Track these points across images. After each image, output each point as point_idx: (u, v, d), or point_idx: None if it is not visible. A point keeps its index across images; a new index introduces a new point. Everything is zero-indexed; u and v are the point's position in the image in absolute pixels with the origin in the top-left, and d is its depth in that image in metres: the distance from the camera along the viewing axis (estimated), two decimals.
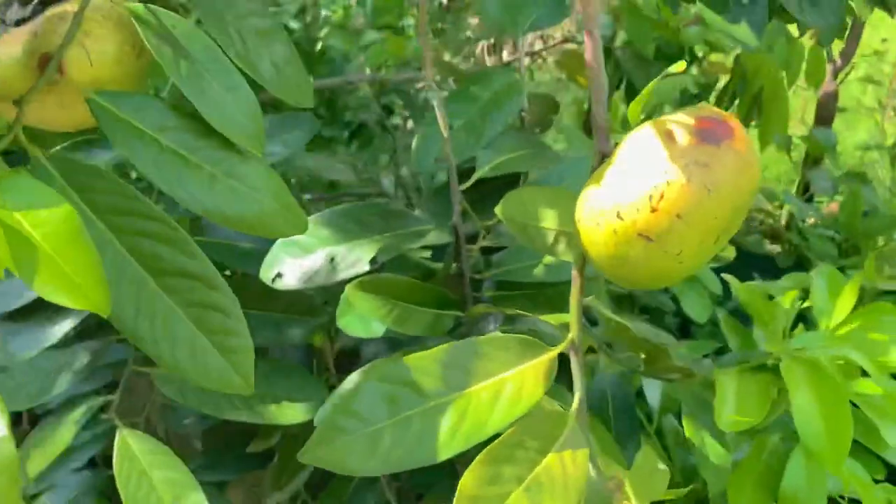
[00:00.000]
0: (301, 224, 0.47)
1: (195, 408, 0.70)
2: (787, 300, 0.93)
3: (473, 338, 0.51)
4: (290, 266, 0.67)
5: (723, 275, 1.75)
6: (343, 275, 0.67)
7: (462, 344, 0.51)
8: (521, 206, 0.61)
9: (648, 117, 0.52)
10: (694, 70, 1.57)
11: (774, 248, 1.96)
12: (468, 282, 0.72)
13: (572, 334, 0.55)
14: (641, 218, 0.44)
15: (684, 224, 0.44)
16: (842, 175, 1.77)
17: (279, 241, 0.69)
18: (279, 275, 0.68)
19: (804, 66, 1.56)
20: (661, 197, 0.43)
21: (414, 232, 0.68)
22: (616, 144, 0.50)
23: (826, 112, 1.84)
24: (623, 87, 1.46)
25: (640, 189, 0.44)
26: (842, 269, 1.69)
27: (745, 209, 0.49)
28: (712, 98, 1.63)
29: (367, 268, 0.66)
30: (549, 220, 0.58)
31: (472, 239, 0.73)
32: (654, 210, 0.44)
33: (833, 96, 1.82)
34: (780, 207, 1.97)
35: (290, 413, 0.76)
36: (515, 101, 0.73)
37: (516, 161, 0.73)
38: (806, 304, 0.92)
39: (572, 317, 0.55)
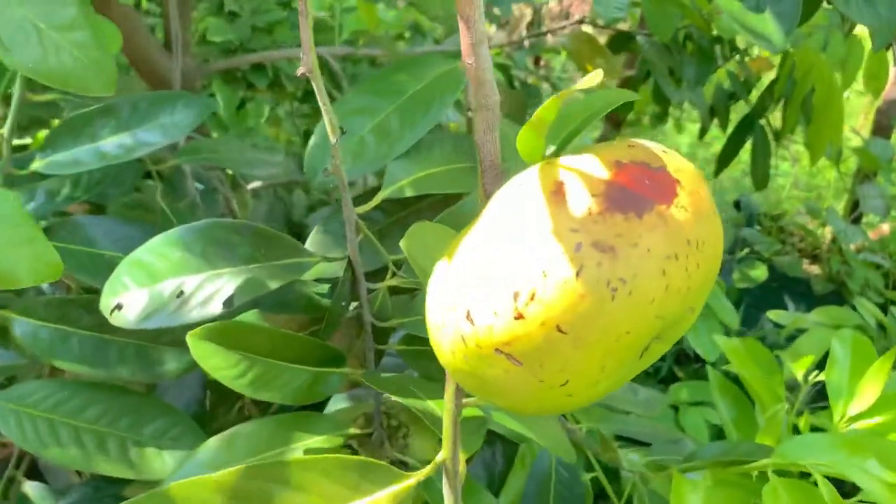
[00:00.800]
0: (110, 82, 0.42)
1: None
2: (801, 366, 0.75)
3: (283, 459, 0.35)
4: (131, 297, 0.52)
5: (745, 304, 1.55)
6: (193, 315, 0.51)
7: (264, 468, 0.35)
8: (424, 243, 0.44)
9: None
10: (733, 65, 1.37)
11: (812, 270, 1.75)
12: (370, 330, 0.56)
13: (444, 454, 0.38)
14: (501, 327, 0.27)
15: (570, 342, 0.27)
16: None
17: (125, 260, 0.53)
18: (118, 306, 0.52)
19: (863, 68, 1.34)
20: (532, 298, 0.26)
21: (290, 265, 0.52)
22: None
23: (886, 121, 1.61)
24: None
25: (500, 281, 0.27)
26: (885, 305, 1.48)
27: (699, 300, 0.31)
28: (753, 98, 1.42)
29: (219, 309, 0.50)
30: None
31: (378, 275, 0.57)
32: (519, 317, 0.27)
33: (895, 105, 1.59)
34: (823, 225, 1.75)
35: (157, 465, 0.61)
36: (449, 97, 0.56)
37: (445, 177, 0.56)
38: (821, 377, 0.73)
39: (445, 429, 0.38)
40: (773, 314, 1.33)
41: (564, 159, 0.29)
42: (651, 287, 0.27)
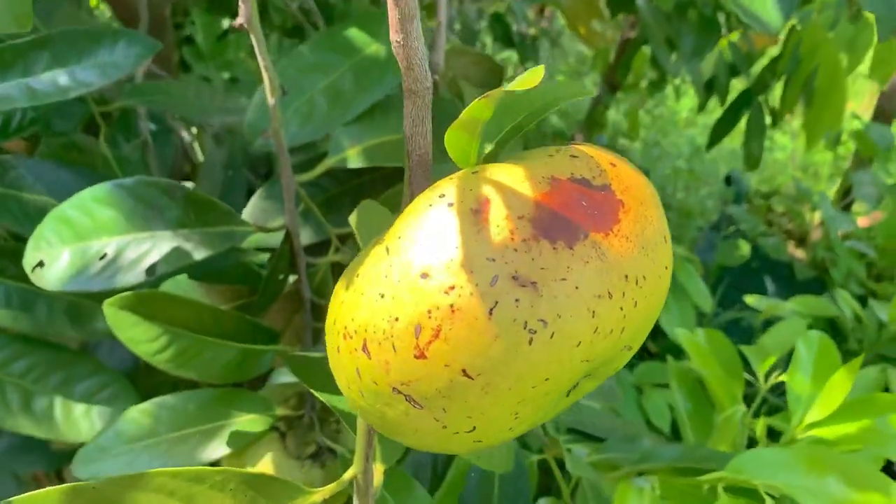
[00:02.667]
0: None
1: None
2: (765, 367, 0.72)
3: (173, 469, 0.32)
4: (54, 254, 0.47)
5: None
6: (115, 280, 0.47)
7: (150, 477, 0.31)
8: (373, 223, 0.40)
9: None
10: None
11: (797, 253, 1.71)
12: (309, 307, 0.52)
13: (354, 469, 0.35)
14: (399, 364, 0.23)
15: (478, 388, 0.23)
16: (893, 185, 1.50)
17: (51, 213, 0.49)
18: (41, 263, 0.48)
19: (872, 52, 1.28)
20: (436, 335, 0.23)
21: (222, 233, 0.47)
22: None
23: (889, 107, 1.56)
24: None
25: (403, 311, 0.23)
26: (865, 298, 1.45)
27: (639, 338, 0.28)
28: (754, 73, 1.37)
29: (142, 276, 0.46)
30: None
31: (323, 248, 0.53)
32: (420, 355, 0.23)
33: None
34: (814, 209, 1.72)
35: (85, 426, 0.58)
36: None
37: (401, 148, 0.52)
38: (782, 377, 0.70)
39: (358, 443, 0.35)
40: (750, 299, 1.30)
41: (495, 169, 0.25)
42: (577, 330, 0.23)
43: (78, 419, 0.58)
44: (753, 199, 1.79)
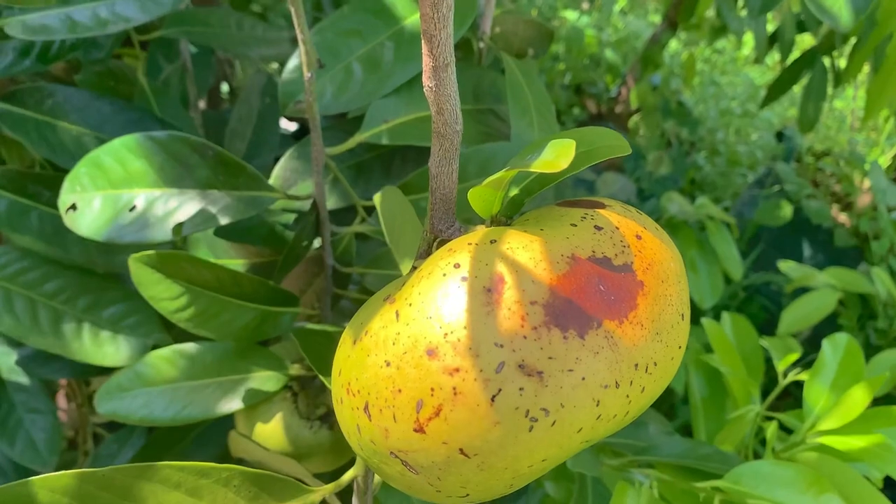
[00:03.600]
0: None
1: None
2: (786, 362, 0.71)
3: (181, 463, 0.33)
4: (86, 199, 0.48)
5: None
6: (144, 234, 0.47)
7: (157, 469, 0.32)
8: (394, 208, 0.40)
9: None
10: None
11: (840, 217, 1.67)
12: (330, 273, 0.52)
13: (356, 470, 0.36)
14: (398, 434, 0.23)
15: (474, 466, 0.23)
16: None
17: (87, 157, 0.49)
18: (73, 206, 0.48)
19: None
20: (437, 413, 0.22)
21: (249, 198, 0.47)
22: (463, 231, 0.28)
23: None
24: None
25: (407, 383, 0.23)
26: None
27: (642, 411, 0.28)
28: (822, 32, 1.30)
29: (168, 234, 0.46)
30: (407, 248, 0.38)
31: (348, 215, 0.52)
32: (419, 430, 0.23)
33: None
34: (864, 174, 1.66)
35: (111, 350, 0.60)
36: (458, 30, 0.49)
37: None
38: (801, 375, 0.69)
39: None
40: (784, 265, 1.28)
41: (514, 240, 0.24)
42: (579, 418, 0.23)
43: (104, 343, 0.60)
44: (804, 157, 1.73)
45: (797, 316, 1.17)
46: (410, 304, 0.24)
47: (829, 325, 1.31)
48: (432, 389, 0.22)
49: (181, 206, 0.47)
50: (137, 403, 0.51)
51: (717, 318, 1.30)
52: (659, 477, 0.53)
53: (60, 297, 0.61)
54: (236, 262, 0.54)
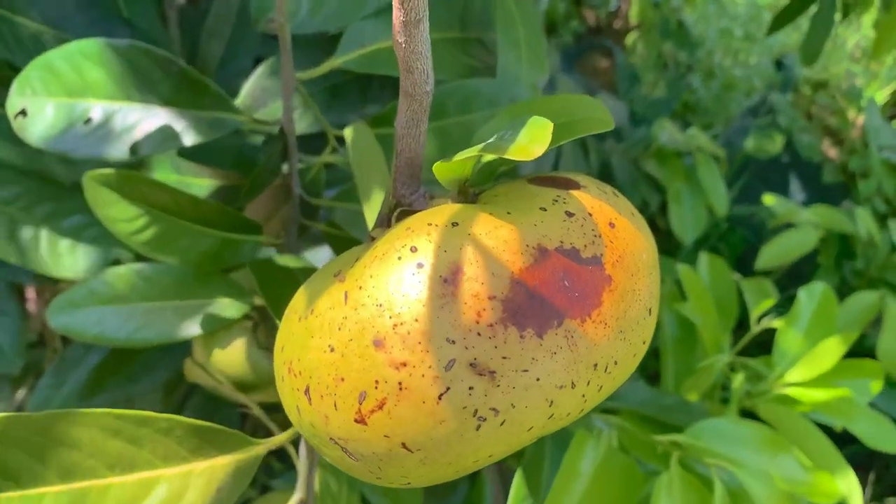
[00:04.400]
0: None
1: None
2: (761, 308, 0.70)
3: (120, 411, 0.31)
4: (38, 105, 0.45)
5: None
6: (103, 150, 0.44)
7: (94, 416, 0.31)
8: (367, 147, 0.38)
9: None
10: None
11: (830, 153, 1.65)
12: (297, 203, 0.50)
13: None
14: (338, 423, 0.22)
15: (417, 460, 0.22)
16: None
17: (38, 59, 0.45)
18: (23, 112, 0.45)
19: None
20: (380, 406, 0.21)
21: (212, 120, 0.45)
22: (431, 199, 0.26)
23: None
24: None
25: (350, 371, 0.22)
26: (886, 216, 1.41)
27: (599, 403, 0.26)
28: None
29: (125, 151, 0.44)
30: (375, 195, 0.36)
31: (318, 145, 0.50)
32: (360, 420, 0.21)
33: None
34: (859, 110, 1.63)
35: (69, 262, 0.59)
36: None
37: None
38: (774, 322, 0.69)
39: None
40: (769, 199, 1.26)
41: (479, 225, 0.22)
42: (530, 418, 0.22)
43: (63, 254, 0.58)
44: (801, 87, 1.69)
45: (776, 252, 1.17)
46: (360, 288, 0.22)
47: (807, 262, 1.31)
48: (377, 382, 0.21)
49: (141, 123, 0.44)
50: (91, 320, 0.50)
51: (697, 248, 1.30)
52: (621, 425, 0.53)
53: (18, 204, 0.59)
54: (201, 183, 0.52)
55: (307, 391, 0.22)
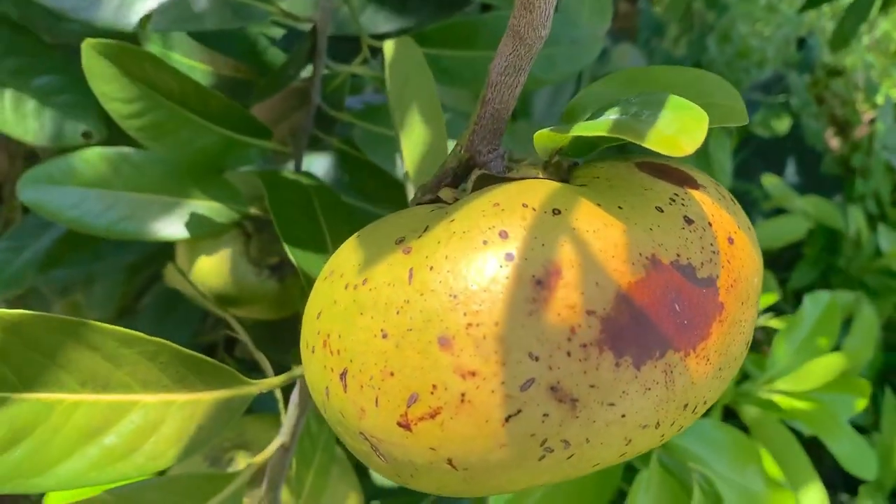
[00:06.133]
0: None
1: None
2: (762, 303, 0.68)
3: (103, 326, 0.27)
4: None
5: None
6: (103, 15, 0.39)
7: (78, 326, 0.27)
8: (413, 68, 0.33)
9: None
10: None
11: (833, 143, 1.62)
12: (313, 111, 0.45)
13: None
14: (375, 422, 0.19)
15: (459, 477, 0.19)
16: None
17: None
18: None
19: None
20: (432, 416, 0.18)
21: (239, 4, 0.39)
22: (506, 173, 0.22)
23: None
24: None
25: (403, 367, 0.18)
26: (876, 218, 1.39)
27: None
28: None
29: (134, 21, 0.38)
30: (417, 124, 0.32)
31: (347, 51, 0.45)
32: (404, 425, 0.18)
33: None
34: (873, 107, 1.60)
35: (33, 125, 0.53)
36: None
37: None
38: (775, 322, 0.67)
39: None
40: (767, 180, 1.24)
41: (586, 217, 0.18)
42: (601, 455, 0.18)
43: (28, 115, 0.52)
44: (817, 71, 1.65)
45: (766, 235, 1.15)
46: (431, 268, 0.18)
47: (791, 249, 1.30)
48: (434, 386, 0.17)
49: None
50: (68, 201, 0.45)
51: None
52: None
53: None
54: (207, 70, 0.46)
55: (344, 375, 0.19)
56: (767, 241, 1.15)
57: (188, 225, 0.45)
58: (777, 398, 0.59)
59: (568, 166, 0.22)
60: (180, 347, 0.28)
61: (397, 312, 0.18)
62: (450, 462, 0.18)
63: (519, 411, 0.17)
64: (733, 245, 0.20)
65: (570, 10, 0.43)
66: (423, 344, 0.17)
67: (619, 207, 0.19)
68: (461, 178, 0.23)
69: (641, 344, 0.17)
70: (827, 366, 0.56)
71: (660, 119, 0.16)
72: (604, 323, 0.17)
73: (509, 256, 0.17)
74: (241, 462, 0.39)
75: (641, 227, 0.18)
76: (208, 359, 0.29)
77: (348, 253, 0.21)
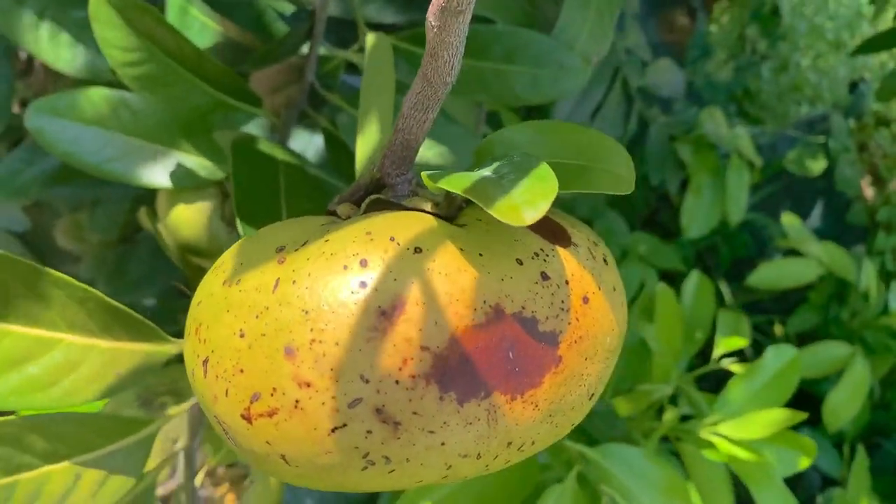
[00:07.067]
0: None
1: None
2: (723, 347, 0.68)
3: (42, 269, 0.30)
4: None
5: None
6: None
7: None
8: (384, 68, 0.35)
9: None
10: None
11: (868, 192, 1.60)
12: (307, 88, 0.46)
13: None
14: (223, 410, 0.20)
15: (293, 472, 0.20)
16: None
17: None
18: None
19: None
20: (269, 415, 0.19)
21: None
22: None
23: None
24: None
25: (249, 365, 0.20)
26: (891, 276, 1.38)
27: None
28: None
29: None
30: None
31: (347, 40, 0.46)
32: (246, 417, 0.20)
33: None
34: None
35: (67, 55, 0.55)
36: None
37: None
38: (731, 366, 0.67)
39: None
40: (787, 219, 1.23)
41: (443, 260, 0.20)
42: (421, 475, 0.20)
43: (62, 45, 0.55)
44: (866, 117, 1.62)
45: (773, 274, 1.15)
46: (294, 282, 0.20)
47: (798, 293, 1.29)
48: (275, 389, 0.19)
49: None
50: (67, 134, 0.47)
51: (697, 240, 1.27)
52: None
53: None
54: (211, 27, 0.48)
55: (205, 363, 0.21)
56: (774, 280, 1.15)
57: (172, 175, 0.47)
58: (717, 440, 0.60)
59: (461, 203, 0.23)
60: (108, 298, 0.30)
61: (256, 317, 0.20)
62: (283, 458, 0.20)
63: (345, 425, 0.19)
64: (587, 304, 0.21)
65: (569, 32, 0.43)
66: (272, 350, 0.19)
67: (480, 254, 0.20)
68: (372, 193, 0.25)
69: (468, 384, 0.19)
70: (771, 419, 0.57)
71: (516, 187, 0.18)
72: (435, 359, 0.19)
73: (363, 284, 0.19)
74: (170, 408, 0.42)
75: (494, 276, 0.20)
76: (134, 313, 0.31)
77: (235, 251, 0.22)
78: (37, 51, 0.54)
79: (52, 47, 0.55)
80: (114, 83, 0.49)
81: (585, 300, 0.21)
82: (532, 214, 0.17)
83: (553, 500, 0.45)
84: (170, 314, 0.77)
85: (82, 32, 0.54)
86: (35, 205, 0.80)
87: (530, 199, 0.17)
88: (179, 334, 0.33)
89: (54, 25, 0.54)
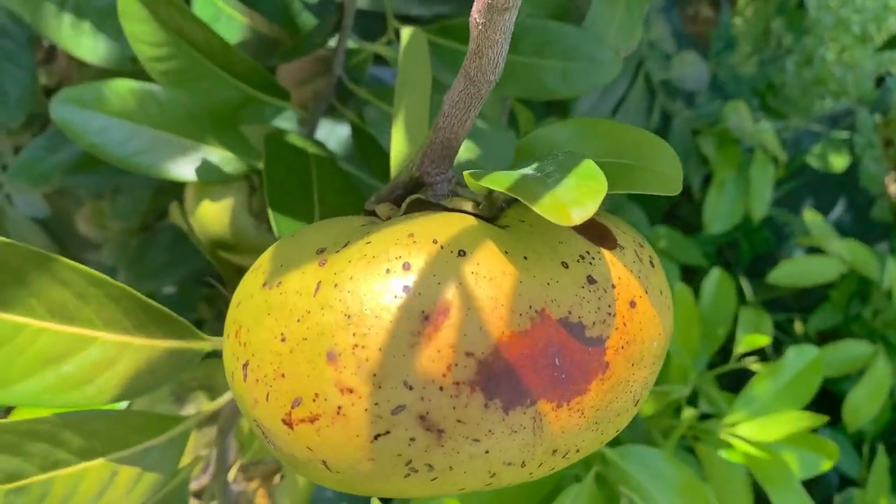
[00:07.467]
0: None
1: None
2: (745, 346, 0.67)
3: (48, 255, 0.29)
4: None
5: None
6: None
7: (45, 259, 0.29)
8: (419, 64, 0.34)
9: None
10: None
11: (892, 187, 1.58)
12: (335, 81, 0.46)
13: None
14: (263, 413, 0.20)
15: (333, 477, 0.20)
16: None
17: None
18: None
19: None
20: (311, 420, 0.19)
21: None
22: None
23: None
24: None
25: (297, 369, 0.19)
26: None
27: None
28: None
29: None
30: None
31: (374, 32, 0.46)
32: (287, 423, 0.19)
33: None
34: None
35: (88, 43, 0.55)
36: None
37: None
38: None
39: None
40: (808, 216, 1.22)
41: (486, 263, 0.19)
42: (464, 483, 0.20)
43: (83, 33, 0.55)
44: (891, 111, 1.59)
45: (794, 272, 1.14)
46: (336, 285, 0.19)
47: (819, 291, 1.28)
48: (317, 395, 0.19)
49: None
50: (93, 126, 0.47)
51: (718, 236, 1.25)
52: None
53: None
54: (239, 20, 0.47)
55: (245, 366, 0.20)
56: (795, 277, 1.14)
57: (198, 169, 0.47)
58: (735, 442, 0.59)
59: (502, 203, 0.23)
60: (143, 296, 0.30)
61: (298, 321, 0.19)
62: (324, 463, 0.20)
63: (388, 432, 0.18)
64: (634, 309, 0.20)
65: (599, 26, 0.43)
66: (313, 355, 0.19)
67: (525, 258, 0.20)
68: (411, 192, 0.24)
69: (513, 391, 0.18)
70: (792, 421, 0.56)
71: (561, 185, 0.17)
72: (480, 366, 0.18)
73: (406, 289, 0.19)
74: (203, 404, 0.42)
75: (540, 280, 0.19)
76: (168, 311, 0.31)
77: (274, 252, 0.22)
78: (59, 39, 0.54)
79: (74, 36, 0.55)
80: (136, 73, 0.49)
81: (632, 304, 0.20)
82: (580, 214, 0.16)
83: (571, 500, 0.44)
84: (190, 302, 0.77)
85: (104, 21, 0.54)
86: (57, 192, 0.80)
87: (578, 198, 0.17)
88: (199, 322, 0.32)
89: (76, 14, 0.54)
